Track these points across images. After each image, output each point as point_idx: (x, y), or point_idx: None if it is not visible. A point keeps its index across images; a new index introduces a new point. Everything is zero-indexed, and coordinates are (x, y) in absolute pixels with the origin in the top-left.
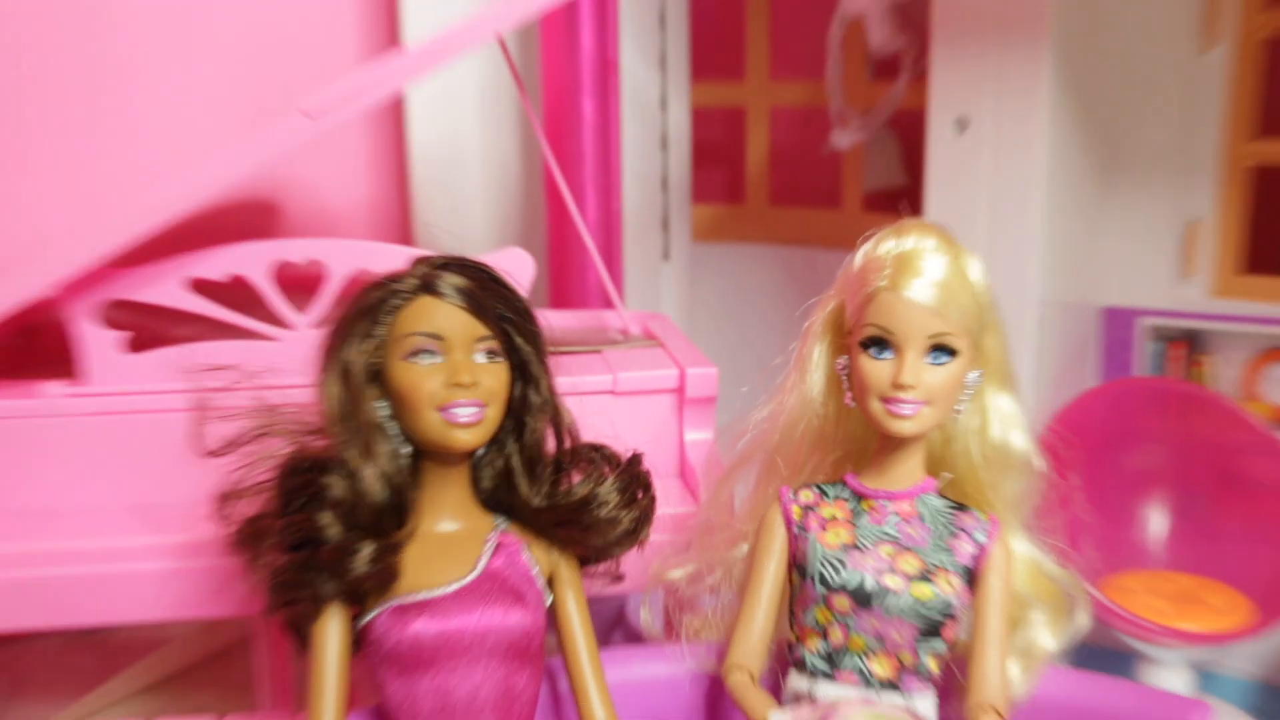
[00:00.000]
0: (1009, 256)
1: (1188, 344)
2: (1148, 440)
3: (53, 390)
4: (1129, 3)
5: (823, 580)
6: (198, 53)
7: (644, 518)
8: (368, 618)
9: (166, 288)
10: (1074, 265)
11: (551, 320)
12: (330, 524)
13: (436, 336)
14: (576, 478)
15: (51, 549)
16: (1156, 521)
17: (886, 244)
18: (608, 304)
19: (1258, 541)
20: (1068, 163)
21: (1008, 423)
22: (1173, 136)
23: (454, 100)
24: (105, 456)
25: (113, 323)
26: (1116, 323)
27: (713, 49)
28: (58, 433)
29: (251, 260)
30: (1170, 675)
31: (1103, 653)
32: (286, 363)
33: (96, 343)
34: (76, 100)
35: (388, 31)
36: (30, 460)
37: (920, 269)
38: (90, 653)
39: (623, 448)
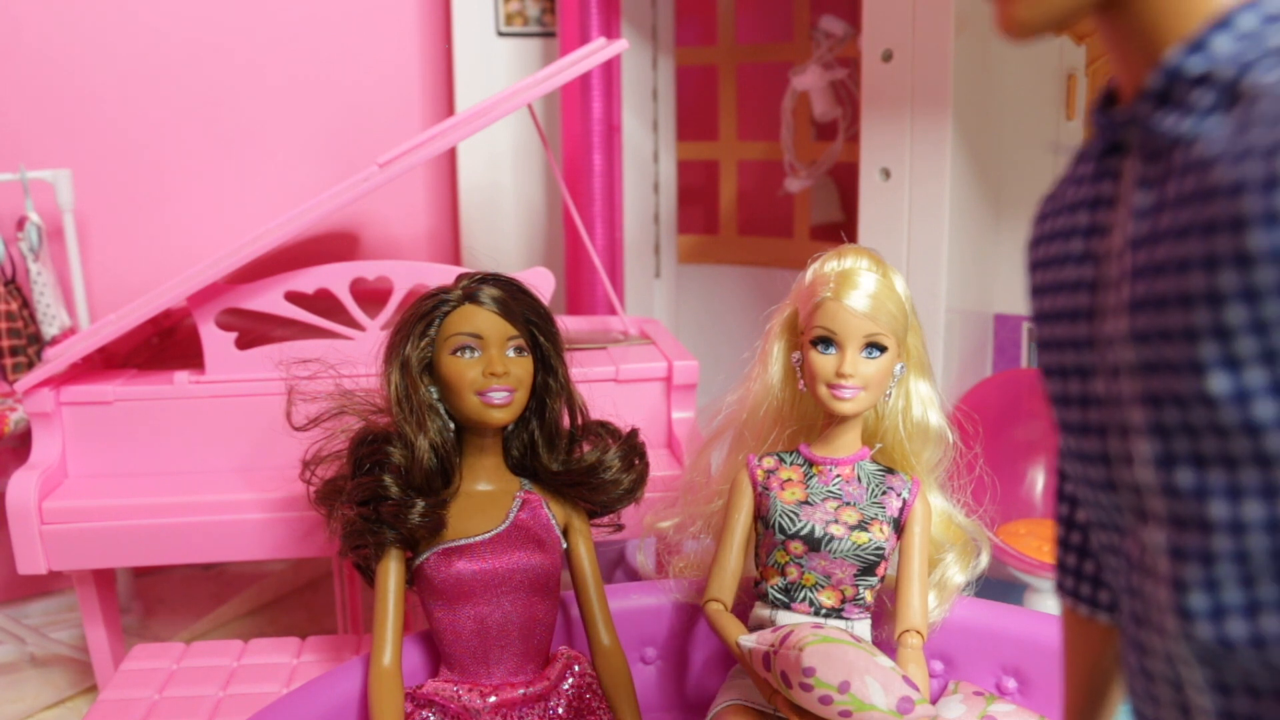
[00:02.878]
0: (923, 274)
1: None
2: (1031, 417)
3: (181, 379)
4: (1011, 83)
5: (781, 529)
6: (300, 117)
7: (640, 479)
8: (420, 559)
9: (269, 298)
10: (972, 281)
11: (567, 323)
12: (391, 484)
13: (476, 336)
14: (586, 448)
15: (180, 501)
16: (1038, 480)
17: (830, 264)
18: (611, 311)
19: None
20: (966, 202)
21: (926, 404)
22: (1046, 183)
23: (494, 153)
24: (220, 430)
25: (227, 326)
26: (1006, 326)
27: (694, 116)
28: (185, 412)
29: (335, 277)
30: (1049, 600)
31: (999, 584)
32: (360, 357)
33: (214, 342)
34: (203, 158)
35: (444, 101)
36: (164, 433)
37: (857, 283)
38: (208, 583)
39: (623, 424)
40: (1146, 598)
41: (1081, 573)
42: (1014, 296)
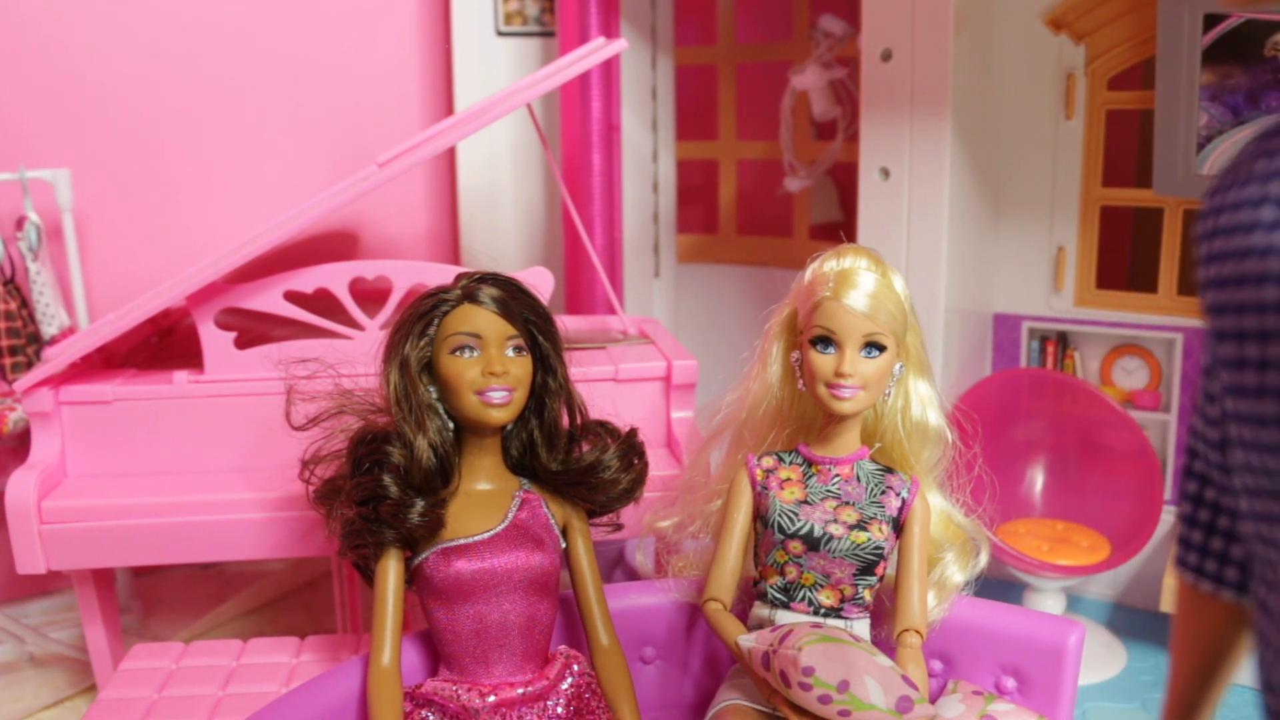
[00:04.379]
0: (923, 274)
1: (1059, 342)
2: (1030, 417)
3: (180, 378)
4: (1010, 83)
5: (781, 529)
6: (300, 117)
7: (639, 479)
8: (419, 558)
9: (268, 298)
10: (972, 281)
11: (566, 323)
12: (390, 484)
13: (476, 335)
14: (585, 447)
15: (179, 501)
16: (1037, 480)
17: (829, 263)
18: (611, 311)
19: (1113, 495)
20: (965, 202)
21: (925, 403)
22: (1044, 183)
23: (493, 153)
24: (219, 430)
25: (226, 325)
26: (1005, 326)
27: (693, 115)
28: (184, 411)
29: (334, 276)
30: (1048, 600)
31: (998, 584)
32: (359, 356)
33: (214, 341)
34: (203, 157)
35: (444, 100)
36: (163, 433)
37: (856, 283)
38: (208, 582)
39: (622, 423)
40: None
41: (1208, 549)
42: (1013, 296)
